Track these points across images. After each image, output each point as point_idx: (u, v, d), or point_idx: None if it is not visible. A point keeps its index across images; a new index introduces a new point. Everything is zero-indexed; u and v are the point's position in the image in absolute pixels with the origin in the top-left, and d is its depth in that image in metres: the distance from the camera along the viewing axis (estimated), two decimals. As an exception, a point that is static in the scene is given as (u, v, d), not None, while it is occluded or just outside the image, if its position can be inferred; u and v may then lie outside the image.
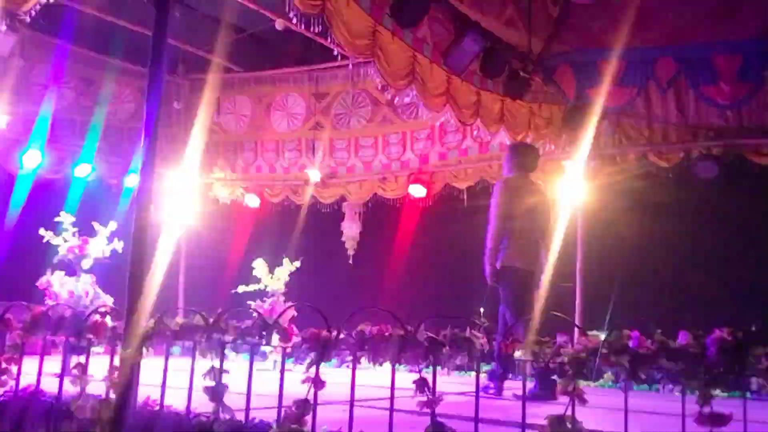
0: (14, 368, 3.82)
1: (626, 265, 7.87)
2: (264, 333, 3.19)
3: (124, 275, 3.48)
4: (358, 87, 9.44)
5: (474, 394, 2.77)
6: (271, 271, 7.92)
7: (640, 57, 7.29)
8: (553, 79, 7.59)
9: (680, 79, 7.32)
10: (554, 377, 4.69)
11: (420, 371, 2.79)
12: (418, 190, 9.20)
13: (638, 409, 4.24)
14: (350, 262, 9.86)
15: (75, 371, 3.59)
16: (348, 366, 3.01)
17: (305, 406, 2.88)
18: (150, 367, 3.49)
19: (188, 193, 9.75)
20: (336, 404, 3.07)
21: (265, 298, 7.76)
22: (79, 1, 7.22)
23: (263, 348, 4.81)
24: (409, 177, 9.31)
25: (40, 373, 3.73)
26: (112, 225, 6.45)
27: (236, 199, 10.34)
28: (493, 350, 3.05)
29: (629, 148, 8.25)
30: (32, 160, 8.42)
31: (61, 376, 3.72)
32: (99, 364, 3.62)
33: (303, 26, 5.83)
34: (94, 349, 3.74)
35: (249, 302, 7.52)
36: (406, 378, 2.82)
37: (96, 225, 6.45)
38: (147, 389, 3.40)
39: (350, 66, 8.62)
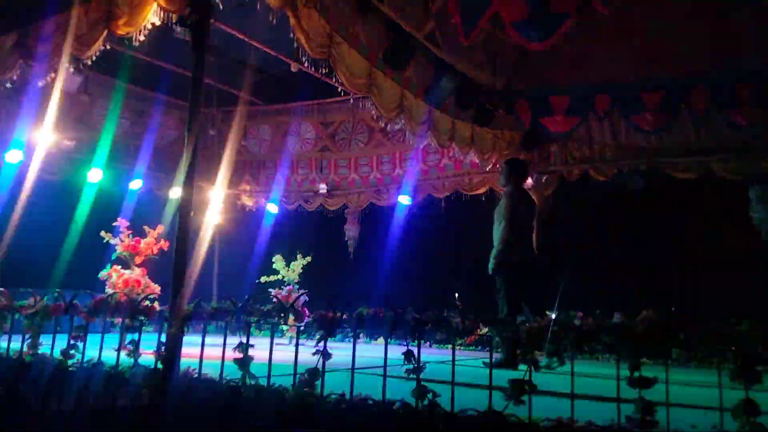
0: (80, 344, 3.79)
1: (574, 257, 7.88)
2: (282, 315, 3.18)
3: (169, 269, 3.47)
4: (357, 117, 9.43)
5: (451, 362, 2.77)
6: (288, 264, 7.89)
7: (583, 93, 7.32)
8: (513, 111, 7.60)
9: (614, 111, 7.35)
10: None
11: (407, 345, 2.78)
12: (405, 199, 9.23)
13: (582, 374, 4.24)
14: (351, 257, 9.84)
15: (129, 346, 3.57)
16: (350, 341, 3.00)
17: (315, 373, 2.88)
18: (190, 343, 3.47)
19: (221, 202, 9.74)
20: (340, 371, 3.06)
21: (282, 287, 7.72)
22: (133, 47, 7.18)
23: (281, 326, 4.80)
24: (398, 189, 9.33)
25: (101, 348, 3.70)
26: (160, 228, 6.40)
27: (259, 207, 10.34)
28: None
29: (574, 165, 8.25)
30: (95, 176, 8.43)
31: (118, 351, 3.71)
32: (149, 341, 3.60)
33: (313, 68, 5.83)
34: (145, 328, 3.73)
35: (270, 290, 7.49)
36: (397, 350, 2.81)
37: (146, 228, 6.40)
38: (188, 361, 3.38)
39: (351, 100, 8.61)
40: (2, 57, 5.26)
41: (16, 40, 5.17)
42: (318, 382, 2.87)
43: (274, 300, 3.34)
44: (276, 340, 3.26)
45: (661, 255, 7.65)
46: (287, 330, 6.61)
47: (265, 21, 4.88)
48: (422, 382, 2.67)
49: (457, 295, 8.39)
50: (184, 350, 3.39)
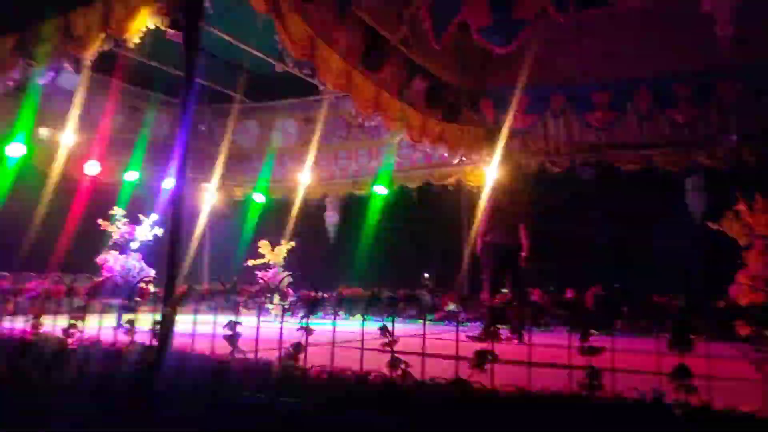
0: (80, 323, 3.72)
1: (532, 242, 7.96)
2: (268, 295, 3.16)
3: (163, 253, 3.42)
4: (337, 114, 9.37)
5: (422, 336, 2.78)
6: (273, 249, 7.84)
7: (540, 93, 7.37)
8: (479, 109, 7.62)
9: (568, 109, 7.42)
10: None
11: (383, 320, 2.79)
12: (381, 190, 9.23)
13: (539, 344, 4.31)
14: (331, 242, 9.82)
15: (126, 325, 3.51)
16: (330, 318, 3.00)
17: (299, 347, 2.87)
18: (183, 322, 3.43)
19: (212, 192, 9.61)
20: (322, 345, 3.05)
21: (268, 269, 7.67)
22: (129, 49, 7.01)
23: (267, 305, 4.77)
24: (374, 180, 9.33)
25: (99, 327, 3.64)
26: (154, 216, 6.29)
27: (247, 197, 10.24)
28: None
29: (532, 158, 8.33)
30: (93, 169, 8.24)
31: (115, 329, 3.64)
32: (145, 320, 3.55)
33: (297, 69, 5.76)
34: (141, 308, 3.67)
35: (257, 272, 7.43)
36: (373, 326, 2.82)
37: (141, 216, 6.29)
38: (181, 338, 3.34)
39: (333, 98, 8.56)
40: (3, 57, 5.10)
41: (17, 40, 5.01)
42: (302, 355, 2.87)
43: (261, 282, 3.32)
44: (262, 318, 3.24)
45: (609, 238, 7.78)
46: (272, 308, 6.57)
47: (252, 25, 4.81)
48: (396, 354, 2.68)
49: (427, 275, 8.43)
50: (178, 328, 3.35)
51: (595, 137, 7.85)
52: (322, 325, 3.06)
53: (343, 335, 3.12)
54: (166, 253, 3.38)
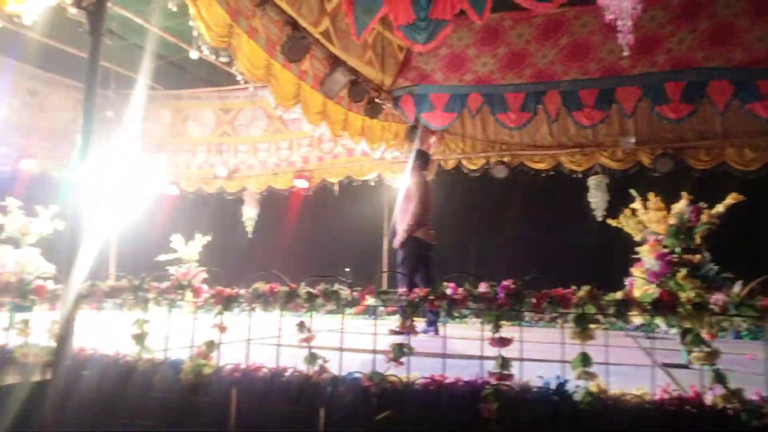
0: (-35, 325, 3.38)
1: (449, 237, 8.18)
2: (179, 291, 3.03)
3: (64, 249, 3.18)
4: (256, 105, 9.13)
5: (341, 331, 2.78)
6: (187, 244, 7.52)
7: (458, 92, 7.55)
8: (399, 105, 7.70)
9: (484, 109, 7.66)
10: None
11: (300, 316, 2.75)
12: (301, 183, 9.11)
13: (454, 336, 4.43)
14: (249, 236, 9.57)
15: (20, 325, 3.23)
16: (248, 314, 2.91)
17: (212, 345, 2.77)
18: (88, 320, 3.21)
19: (120, 182, 9.04)
20: (237, 343, 2.97)
21: (181, 265, 7.35)
22: (26, 27, 6.43)
23: (180, 302, 4.57)
24: (295, 173, 9.18)
25: (-12, 328, 3.32)
26: (54, 208, 5.84)
27: (158, 189, 9.73)
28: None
29: (450, 155, 8.55)
30: (-18, 156, 7.51)
31: (6, 330, 3.34)
32: (44, 320, 3.29)
33: (213, 56, 5.55)
34: (40, 308, 3.39)
35: (169, 268, 7.10)
36: (291, 321, 2.78)
37: (39, 208, 5.81)
38: (84, 338, 3.13)
39: (250, 89, 8.31)
40: None
41: None
42: (215, 354, 2.77)
43: (172, 278, 3.17)
44: (175, 316, 3.10)
45: (521, 232, 8.15)
46: (185, 306, 6.31)
47: (164, 7, 4.57)
48: (313, 350, 2.66)
49: (347, 270, 8.44)
50: (82, 328, 3.14)
51: (508, 137, 8.19)
52: (238, 322, 2.97)
53: (260, 332, 3.05)
54: (66, 248, 3.14)
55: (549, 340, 4.01)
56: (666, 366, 3.32)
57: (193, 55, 6.45)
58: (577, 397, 2.25)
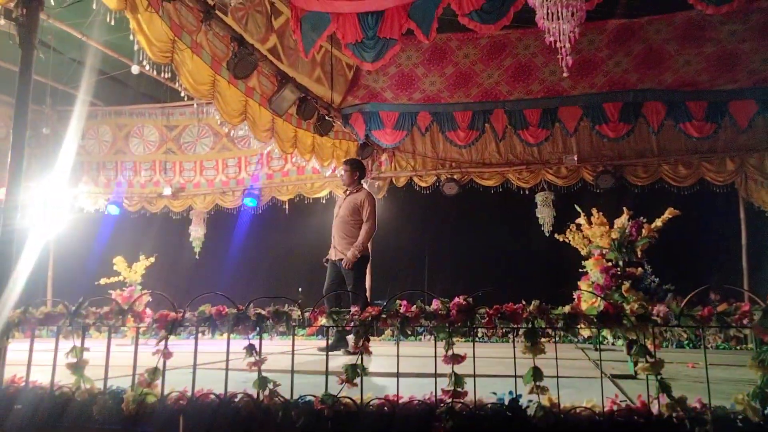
0: None
1: (401, 254, 8.21)
2: (119, 316, 2.88)
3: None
4: (202, 122, 8.95)
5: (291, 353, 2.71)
6: (130, 266, 7.21)
7: (408, 110, 7.66)
8: (349, 123, 7.73)
9: (433, 127, 7.80)
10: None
11: (250, 339, 2.67)
12: (250, 202, 8.94)
13: (407, 354, 4.42)
14: (197, 257, 9.30)
15: (-60, 358, 2.99)
16: (193, 339, 2.80)
17: (155, 372, 2.64)
18: (20, 350, 3.01)
19: (56, 202, 8.61)
20: (182, 369, 2.85)
21: (124, 288, 7.04)
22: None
23: (122, 328, 4.36)
24: (243, 192, 9.00)
25: None
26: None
27: (99, 209, 9.33)
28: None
29: (401, 173, 8.62)
30: None
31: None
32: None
33: (155, 71, 5.42)
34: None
35: (110, 292, 6.78)
36: (240, 344, 2.69)
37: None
38: (15, 368, 2.92)
39: (195, 105, 8.15)
40: None
41: None
42: (159, 382, 2.64)
43: (113, 302, 3.01)
44: (118, 342, 2.95)
45: (473, 248, 8.28)
46: (127, 331, 6.03)
47: (104, 21, 4.42)
48: (264, 373, 2.58)
49: (300, 289, 8.31)
50: (12, 358, 2.93)
51: (458, 154, 8.35)
52: (184, 347, 2.85)
53: (207, 356, 2.94)
54: (-5, 273, 2.95)
55: (501, 355, 4.06)
56: (614, 377, 3.42)
57: (134, 70, 6.27)
58: (530, 411, 2.27)
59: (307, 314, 2.74)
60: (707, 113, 6.89)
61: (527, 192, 8.24)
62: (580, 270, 3.88)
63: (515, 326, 2.45)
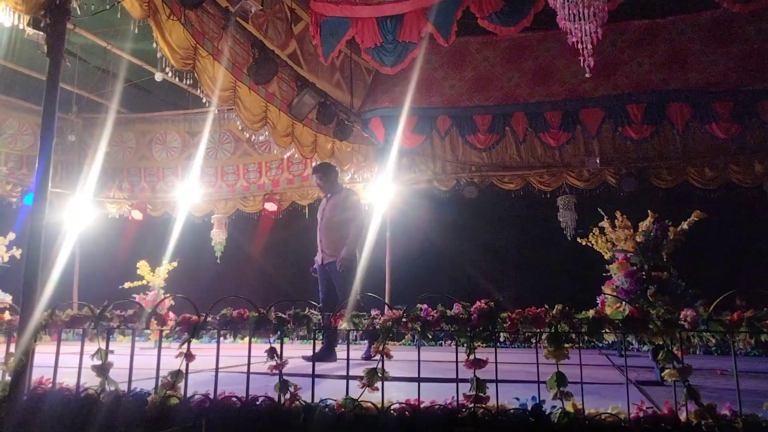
0: None
1: (421, 258, 8.19)
2: (144, 319, 2.92)
3: (21, 277, 3.04)
4: (223, 128, 9.05)
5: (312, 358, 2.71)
6: (153, 270, 7.32)
7: (427, 114, 7.65)
8: (368, 127, 7.75)
9: (453, 131, 7.77)
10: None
11: (271, 342, 2.69)
12: (271, 206, 9.00)
13: (428, 359, 4.40)
14: (218, 261, 9.39)
15: (-29, 360, 3.06)
16: (216, 341, 2.83)
17: (178, 375, 2.67)
18: (47, 352, 3.07)
19: (82, 208, 8.79)
20: (205, 372, 2.88)
21: (147, 292, 7.14)
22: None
23: (146, 331, 4.43)
24: (264, 196, 9.07)
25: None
26: (11, 235, 5.62)
27: (123, 214, 9.50)
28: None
29: (420, 177, 8.60)
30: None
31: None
32: (-3, 353, 3.13)
33: (177, 79, 5.50)
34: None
35: (134, 295, 6.88)
36: (262, 348, 2.71)
37: (-6, 236, 5.60)
38: (42, 370, 2.98)
39: (216, 111, 8.25)
40: None
41: None
42: (181, 384, 2.67)
43: (137, 305, 3.06)
44: (142, 345, 2.99)
45: (494, 252, 8.22)
46: (150, 334, 6.12)
47: (128, 30, 4.51)
48: (285, 377, 2.59)
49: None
50: (41, 360, 2.99)
51: (477, 158, 8.31)
52: (206, 350, 2.88)
53: (229, 359, 2.97)
54: (23, 277, 3.01)
55: (524, 360, 4.02)
56: (640, 383, 3.35)
57: (158, 77, 6.38)
58: (554, 418, 2.24)
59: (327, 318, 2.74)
60: (734, 114, 6.75)
61: (548, 195, 8.15)
62: (604, 274, 3.82)
63: (538, 331, 2.43)
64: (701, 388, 2.25)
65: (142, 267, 7.24)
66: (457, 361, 2.46)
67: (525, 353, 5.30)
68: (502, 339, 2.59)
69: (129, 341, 2.95)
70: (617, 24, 6.76)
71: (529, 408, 2.31)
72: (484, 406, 2.34)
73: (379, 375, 2.47)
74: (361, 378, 2.48)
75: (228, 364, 3.22)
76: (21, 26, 3.56)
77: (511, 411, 2.32)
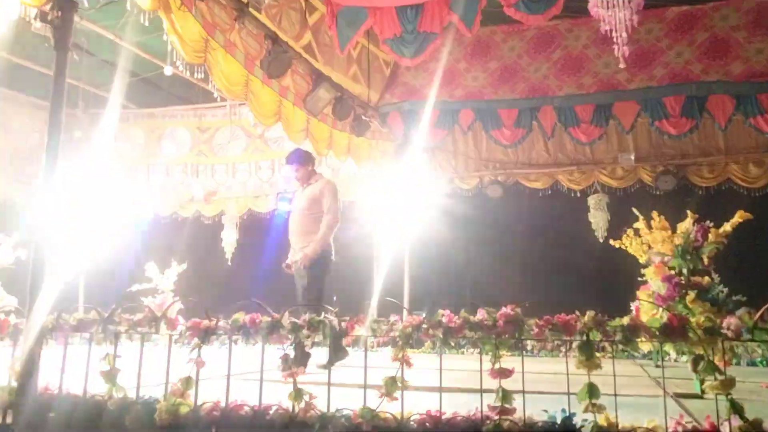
0: None
1: (441, 260, 8.17)
2: (153, 323, 2.97)
3: (27, 279, 3.11)
4: (235, 123, 9.13)
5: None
6: (162, 272, 7.43)
7: (449, 108, 7.63)
8: (387, 122, 7.75)
9: (476, 126, 7.73)
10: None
11: (285, 348, 2.71)
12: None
13: (450, 368, 4.37)
14: (229, 263, 9.47)
15: (-23, 364, 3.14)
16: (227, 347, 2.86)
17: (189, 382, 2.71)
18: (54, 356, 3.13)
19: (89, 207, 8.94)
20: (216, 379, 2.91)
21: (156, 295, 7.25)
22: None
23: (154, 336, 4.49)
24: (277, 195, 9.12)
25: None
26: (16, 236, 5.75)
27: (131, 213, 9.63)
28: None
29: (442, 174, 8.58)
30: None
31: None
32: (5, 357, 3.20)
33: (188, 72, 5.57)
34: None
35: (142, 299, 7.00)
36: (275, 354, 2.73)
37: (1, 236, 5.72)
38: (49, 375, 3.04)
39: (228, 106, 8.33)
40: None
41: None
42: (192, 391, 2.71)
43: (146, 309, 3.11)
44: (151, 350, 3.04)
45: (520, 255, 8.16)
46: (160, 339, 6.20)
47: (137, 22, 4.58)
48: (299, 385, 2.60)
49: (335, 298, 8.36)
50: (48, 364, 3.05)
51: (502, 154, 8.26)
52: (217, 356, 2.91)
53: (242, 366, 3.00)
54: (30, 278, 3.08)
55: (553, 370, 3.99)
56: (678, 396, 3.31)
57: (167, 71, 6.46)
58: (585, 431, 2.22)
59: (343, 324, 2.75)
60: (782, 106, 6.61)
61: (578, 194, 8.08)
62: (639, 279, 3.78)
63: (568, 339, 2.41)
64: (745, 402, 2.21)
65: (151, 269, 7.36)
66: (481, 370, 2.46)
67: (554, 362, 5.26)
68: (529, 347, 2.58)
69: (136, 346, 3.00)
70: (654, 11, 6.67)
71: (559, 421, 2.30)
72: (510, 418, 2.33)
73: (399, 384, 2.47)
74: (379, 387, 2.49)
75: (240, 370, 3.24)
76: (27, 19, 3.64)
77: (540, 424, 2.31)
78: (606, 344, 2.40)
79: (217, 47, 4.75)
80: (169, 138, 9.44)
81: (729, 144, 7.61)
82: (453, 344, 2.60)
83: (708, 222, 3.72)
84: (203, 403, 2.67)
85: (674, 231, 3.76)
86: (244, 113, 6.62)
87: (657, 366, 4.92)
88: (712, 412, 2.22)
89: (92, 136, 8.95)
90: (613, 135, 7.78)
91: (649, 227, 3.85)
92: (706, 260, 3.64)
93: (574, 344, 2.41)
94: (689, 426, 2.19)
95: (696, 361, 2.34)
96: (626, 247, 3.98)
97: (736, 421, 2.13)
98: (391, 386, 2.48)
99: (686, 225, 3.73)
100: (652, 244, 3.78)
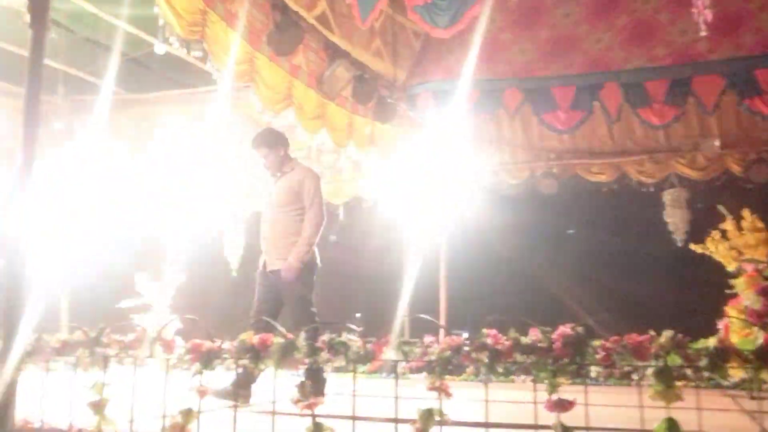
0: None
1: (484, 270, 8.14)
2: (147, 346, 3.02)
3: (2, 293, 3.19)
4: (237, 109, 9.22)
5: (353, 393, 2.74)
6: (156, 285, 7.56)
7: (491, 87, 7.59)
8: (417, 106, 7.76)
9: (525, 108, 7.68)
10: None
11: (301, 374, 2.73)
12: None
13: (497, 399, 4.36)
14: (234, 273, 9.59)
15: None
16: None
17: (189, 414, 2.75)
18: (34, 383, 3.21)
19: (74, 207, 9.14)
20: (220, 410, 2.95)
21: (149, 311, 7.38)
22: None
23: (148, 360, 4.57)
24: (288, 194, 9.20)
25: None
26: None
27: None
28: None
29: (484, 167, 8.55)
30: None
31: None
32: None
33: (185, 51, 5.65)
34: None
35: (133, 316, 7.13)
36: (290, 381, 2.75)
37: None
38: (29, 405, 3.12)
39: (231, 89, 8.41)
40: None
41: None
42: (194, 424, 2.75)
43: (138, 328, 3.17)
44: (144, 374, 3.09)
45: (580, 263, 8.09)
46: (156, 363, 6.31)
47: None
48: (318, 418, 2.62)
49: (358, 315, 8.41)
50: (27, 391, 3.13)
51: (557, 142, 8.18)
52: (223, 382, 2.95)
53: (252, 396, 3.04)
54: (5, 290, 3.15)
55: (622, 402, 3.95)
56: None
57: (159, 50, 6.56)
58: (663, 476, 2.20)
59: (369, 346, 2.76)
60: None
61: (651, 189, 7.97)
62: (727, 291, 3.72)
63: (641, 364, 2.38)
64: None
65: (142, 281, 7.49)
66: (535, 402, 2.45)
67: (624, 393, 5.20)
68: (593, 374, 2.56)
69: (128, 372, 3.06)
70: (741, -35, 6.55)
71: (631, 463, 2.27)
72: (571, 458, 2.32)
73: (437, 418, 2.47)
74: (413, 421, 2.49)
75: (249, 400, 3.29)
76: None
77: (608, 466, 2.29)
78: (688, 371, 2.36)
79: (217, 20, 4.81)
80: (163, 126, 9.59)
81: (839, 126, 7.42)
82: (501, 370, 2.58)
83: (813, 221, 3.65)
84: (206, 440, 2.71)
85: (771, 232, 3.70)
86: (249, 97, 6.65)
87: (752, 398, 4.83)
88: (821, 454, 2.18)
89: (75, 127, 9.15)
90: (693, 117, 7.64)
91: (739, 228, 3.79)
92: (810, 268, 3.57)
93: (649, 371, 2.38)
94: (793, 470, 2.14)
95: (800, 391, 2.30)
96: (711, 252, 3.93)
97: None
98: (428, 420, 2.48)
99: (785, 225, 3.66)
100: (743, 248, 3.73)
